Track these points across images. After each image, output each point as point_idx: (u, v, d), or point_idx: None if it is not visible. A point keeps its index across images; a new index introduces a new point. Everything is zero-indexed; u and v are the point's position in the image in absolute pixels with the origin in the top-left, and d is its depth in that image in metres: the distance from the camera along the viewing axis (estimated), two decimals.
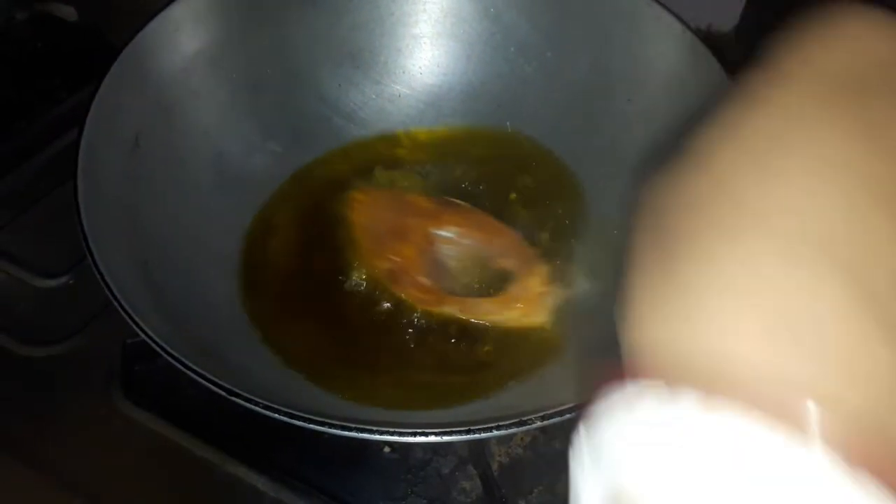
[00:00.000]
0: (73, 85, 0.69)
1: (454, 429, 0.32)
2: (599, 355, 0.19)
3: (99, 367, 0.49)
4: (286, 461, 0.45)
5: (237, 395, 0.32)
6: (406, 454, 0.45)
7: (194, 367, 0.33)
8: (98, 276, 0.36)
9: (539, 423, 0.33)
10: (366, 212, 0.50)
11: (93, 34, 0.75)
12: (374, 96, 0.57)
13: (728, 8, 0.65)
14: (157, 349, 0.34)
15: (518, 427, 0.32)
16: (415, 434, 0.32)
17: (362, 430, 0.31)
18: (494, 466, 0.45)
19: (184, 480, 0.45)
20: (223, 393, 0.33)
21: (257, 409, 0.32)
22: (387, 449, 0.45)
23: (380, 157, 0.55)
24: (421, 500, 0.43)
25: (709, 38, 0.65)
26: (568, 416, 0.33)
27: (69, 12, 0.82)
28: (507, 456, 0.46)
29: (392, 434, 0.32)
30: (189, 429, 0.46)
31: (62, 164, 0.62)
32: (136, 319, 0.35)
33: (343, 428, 0.32)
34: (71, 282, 0.55)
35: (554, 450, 0.46)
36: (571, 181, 0.52)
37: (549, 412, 0.32)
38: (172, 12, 0.48)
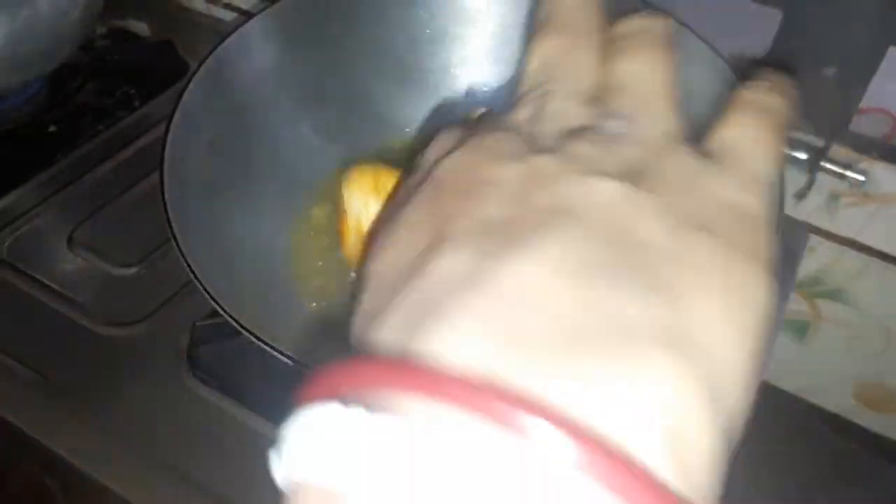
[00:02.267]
0: (145, 94, 0.76)
1: None
2: None
3: (168, 347, 0.55)
4: None
5: (298, 363, 0.37)
6: None
7: (266, 340, 0.38)
8: (181, 258, 0.41)
9: None
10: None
11: (164, 48, 0.81)
12: (424, 113, 0.61)
13: (761, 34, 0.69)
14: (234, 324, 0.38)
15: None
16: None
17: None
18: None
19: (240, 450, 0.50)
20: (288, 360, 0.37)
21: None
22: None
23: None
24: None
25: (740, 65, 0.69)
26: None
27: (142, 28, 0.88)
28: None
29: None
30: (250, 405, 0.51)
31: (137, 165, 0.69)
32: (215, 297, 0.39)
33: None
34: (143, 271, 0.60)
35: None
36: None
37: None
38: (248, 29, 0.53)
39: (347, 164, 0.58)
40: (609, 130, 0.20)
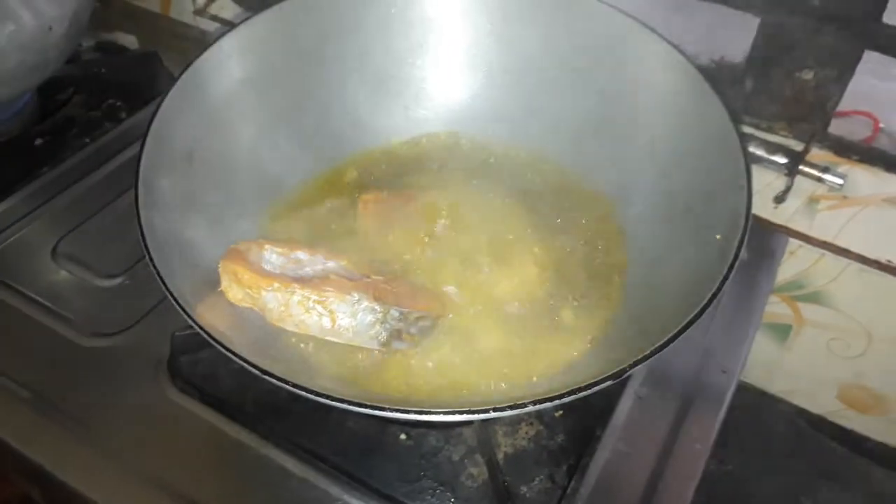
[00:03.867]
0: (132, 106, 0.77)
1: (459, 409, 0.37)
2: None
3: (149, 357, 0.55)
4: (312, 444, 0.50)
5: (269, 374, 0.37)
6: (420, 441, 0.50)
7: (235, 351, 0.38)
8: (155, 273, 0.42)
9: (532, 408, 0.37)
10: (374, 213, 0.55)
11: (149, 60, 0.82)
12: (401, 121, 0.62)
13: (739, 40, 0.69)
14: (206, 337, 0.39)
15: (512, 410, 0.36)
16: (420, 413, 0.36)
17: (374, 408, 0.36)
18: (500, 455, 0.49)
19: (219, 458, 0.51)
20: (257, 372, 0.38)
21: (287, 386, 0.37)
22: (402, 436, 0.50)
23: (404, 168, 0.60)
24: (432, 482, 0.48)
25: (720, 70, 0.69)
26: (557, 401, 0.37)
27: (130, 40, 0.89)
28: (513, 447, 0.50)
29: (401, 412, 0.36)
30: (226, 413, 0.52)
31: (121, 177, 0.69)
32: (188, 311, 0.40)
33: (359, 405, 0.36)
34: (126, 282, 0.61)
35: (556, 443, 0.50)
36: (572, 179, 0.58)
37: (540, 398, 0.37)
38: (224, 43, 0.54)
39: (323, 172, 0.60)
40: None
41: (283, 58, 0.58)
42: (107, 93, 0.77)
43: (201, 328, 0.40)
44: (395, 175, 0.61)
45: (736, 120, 0.49)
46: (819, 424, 0.77)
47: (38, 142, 0.72)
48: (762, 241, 0.65)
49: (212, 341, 0.39)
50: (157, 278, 0.41)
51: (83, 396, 0.53)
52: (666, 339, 0.38)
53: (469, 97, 0.62)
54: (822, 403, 0.77)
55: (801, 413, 0.78)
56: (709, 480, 0.50)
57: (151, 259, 0.42)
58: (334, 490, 0.48)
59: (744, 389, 0.71)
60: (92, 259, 0.62)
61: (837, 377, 0.74)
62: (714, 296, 0.40)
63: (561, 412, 0.51)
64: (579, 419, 0.51)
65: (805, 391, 0.77)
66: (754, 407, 0.78)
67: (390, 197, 0.57)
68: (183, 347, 0.53)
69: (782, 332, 0.74)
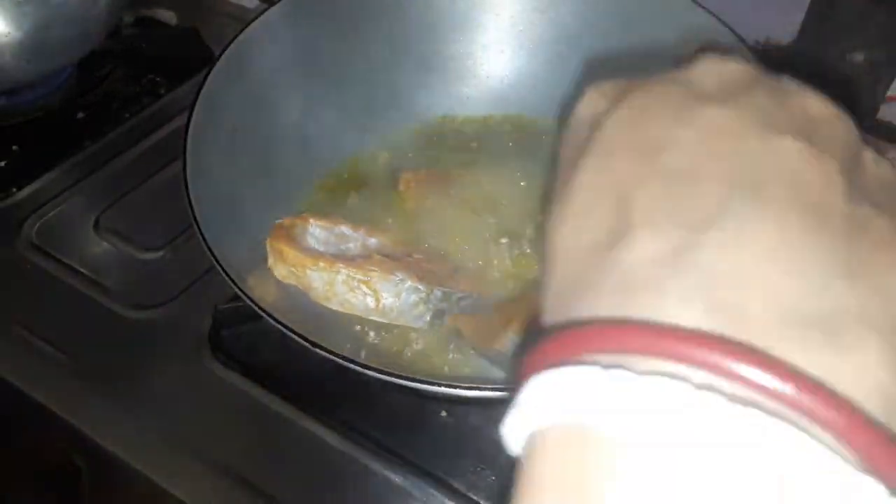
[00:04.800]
0: (171, 81, 0.77)
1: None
2: None
3: (191, 330, 0.56)
4: (352, 419, 0.50)
5: (319, 347, 0.37)
6: (460, 419, 0.50)
7: (284, 322, 0.38)
8: (203, 243, 0.42)
9: None
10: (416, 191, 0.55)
11: (189, 36, 0.82)
12: (443, 99, 0.62)
13: (786, 21, 0.67)
14: (256, 309, 0.39)
15: None
16: (470, 388, 0.36)
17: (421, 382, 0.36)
18: None
19: (260, 431, 0.51)
20: (307, 344, 0.38)
21: (337, 359, 0.37)
22: (443, 413, 0.50)
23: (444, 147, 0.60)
24: (472, 461, 0.48)
25: (766, 51, 0.68)
26: None
27: (169, 16, 0.89)
28: None
29: (447, 387, 0.36)
30: (268, 387, 0.52)
31: (162, 151, 0.70)
32: (236, 282, 0.40)
33: (409, 380, 0.36)
34: (168, 256, 0.61)
35: None
36: None
37: None
38: (269, 17, 0.54)
39: (364, 149, 0.59)
40: (779, 86, 0.19)
41: (327, 34, 0.58)
42: (147, 68, 0.78)
43: (250, 299, 0.40)
44: (435, 154, 0.60)
45: None
46: None
47: (80, 115, 0.73)
48: None
49: (261, 312, 0.39)
50: (206, 249, 0.41)
51: (125, 367, 0.54)
52: None
53: (512, 76, 0.61)
54: None
55: None
56: None
57: (199, 228, 0.42)
58: (374, 465, 0.48)
59: None
60: (133, 232, 0.63)
61: None
62: None
63: None
64: None
65: None
66: None
67: (430, 175, 0.57)
68: (225, 321, 0.54)
69: None
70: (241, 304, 0.54)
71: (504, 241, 0.53)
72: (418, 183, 0.56)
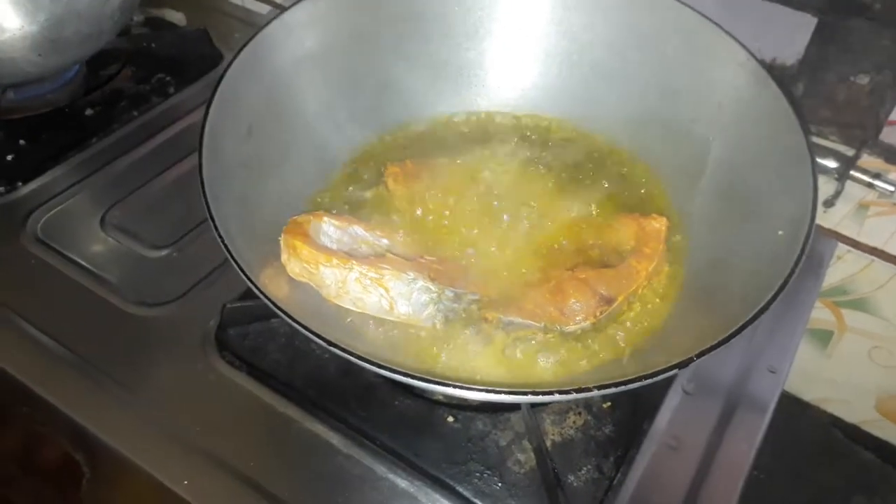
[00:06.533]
0: (180, 81, 0.77)
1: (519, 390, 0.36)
2: None
3: (197, 328, 0.55)
4: (359, 422, 0.50)
5: (335, 346, 0.37)
6: (467, 424, 0.50)
7: (298, 320, 0.38)
8: (218, 238, 0.42)
9: (597, 392, 0.37)
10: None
11: (199, 37, 0.82)
12: (455, 104, 0.62)
13: (793, 42, 0.68)
14: (271, 305, 0.39)
15: (578, 393, 0.36)
16: (479, 390, 0.36)
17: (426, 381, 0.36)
18: (548, 443, 0.49)
19: (265, 431, 0.51)
20: (323, 342, 0.37)
21: (351, 358, 0.37)
22: (450, 418, 0.50)
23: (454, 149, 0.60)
24: (479, 466, 0.48)
25: (772, 72, 0.69)
26: (623, 388, 0.37)
27: (179, 17, 0.90)
28: (560, 435, 0.49)
29: (453, 387, 0.36)
30: (274, 387, 0.52)
31: (169, 150, 0.70)
32: (251, 278, 0.40)
33: (426, 381, 0.36)
34: (174, 254, 0.61)
35: (603, 434, 0.50)
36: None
37: (605, 383, 0.36)
38: (287, 18, 0.54)
39: (378, 148, 0.60)
40: None
41: (343, 36, 0.58)
42: (156, 68, 0.78)
43: (265, 296, 0.40)
44: (446, 155, 0.60)
45: (802, 117, 0.49)
46: (854, 435, 0.76)
47: (89, 112, 0.73)
48: (811, 244, 0.64)
49: (276, 310, 0.39)
50: (221, 243, 0.41)
51: (129, 364, 0.54)
52: (735, 328, 0.38)
53: (525, 85, 0.62)
54: (859, 413, 0.76)
55: (836, 422, 0.77)
56: None
57: (214, 222, 0.42)
58: (379, 468, 0.48)
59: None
60: (140, 230, 0.62)
61: (877, 386, 0.73)
62: (782, 287, 0.39)
63: (609, 403, 0.51)
64: (627, 411, 0.51)
65: (841, 400, 0.76)
66: (788, 414, 0.77)
67: (418, 166, 0.56)
68: (233, 320, 0.54)
69: (823, 338, 0.73)
70: (249, 303, 0.54)
71: (514, 245, 0.53)
72: (406, 175, 0.56)
